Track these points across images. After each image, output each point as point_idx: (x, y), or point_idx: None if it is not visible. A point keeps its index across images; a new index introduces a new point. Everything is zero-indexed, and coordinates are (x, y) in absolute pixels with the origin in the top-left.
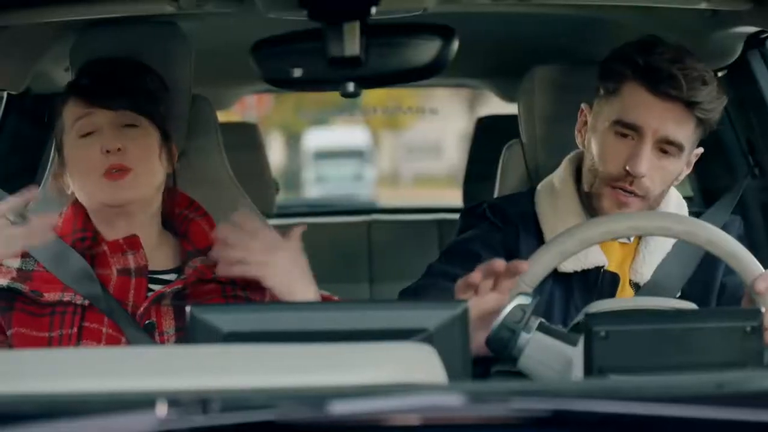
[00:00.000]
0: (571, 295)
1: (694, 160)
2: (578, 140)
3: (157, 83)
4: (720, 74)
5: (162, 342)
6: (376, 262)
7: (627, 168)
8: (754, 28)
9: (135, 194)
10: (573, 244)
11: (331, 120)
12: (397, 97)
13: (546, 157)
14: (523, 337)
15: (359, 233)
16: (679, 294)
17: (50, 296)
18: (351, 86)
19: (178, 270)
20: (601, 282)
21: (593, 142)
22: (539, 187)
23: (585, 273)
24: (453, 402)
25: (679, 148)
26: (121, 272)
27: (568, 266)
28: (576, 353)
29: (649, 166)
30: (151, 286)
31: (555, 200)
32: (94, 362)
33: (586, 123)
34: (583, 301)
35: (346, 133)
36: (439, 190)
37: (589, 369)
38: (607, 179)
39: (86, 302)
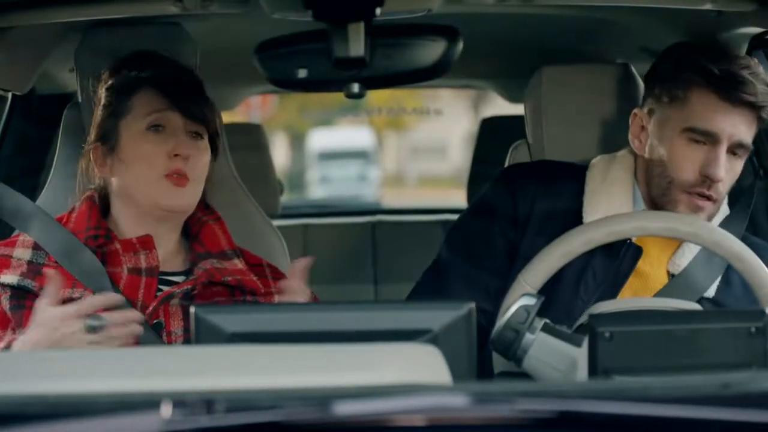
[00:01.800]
0: (592, 255)
1: None
2: (636, 146)
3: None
4: None
5: (170, 342)
6: (380, 262)
7: (705, 174)
8: (759, 28)
9: (189, 203)
10: (578, 245)
11: (336, 121)
12: (401, 97)
13: (552, 158)
14: (528, 337)
15: (364, 234)
16: (713, 293)
17: (61, 293)
18: (356, 87)
19: (188, 272)
20: (624, 252)
21: (662, 150)
22: (593, 169)
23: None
24: (458, 403)
25: (747, 150)
26: (132, 271)
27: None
28: (580, 354)
29: (725, 169)
30: (161, 286)
31: (609, 192)
32: (99, 363)
33: (643, 128)
34: (603, 267)
35: (350, 134)
36: (444, 191)
37: (593, 370)
38: (684, 186)
39: None
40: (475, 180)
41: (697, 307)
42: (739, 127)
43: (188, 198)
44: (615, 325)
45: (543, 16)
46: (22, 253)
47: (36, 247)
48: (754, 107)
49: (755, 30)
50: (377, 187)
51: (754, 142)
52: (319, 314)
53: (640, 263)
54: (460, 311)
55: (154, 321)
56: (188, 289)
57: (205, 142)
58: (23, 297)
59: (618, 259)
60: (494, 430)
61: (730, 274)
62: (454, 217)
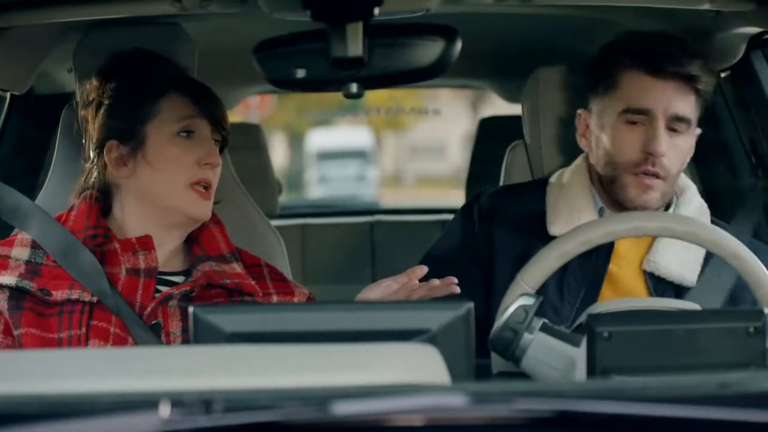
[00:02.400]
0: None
1: (694, 141)
2: (583, 144)
3: None
4: (723, 75)
5: (168, 343)
6: (379, 262)
7: (647, 150)
8: (758, 28)
9: (209, 214)
10: (576, 245)
11: (334, 121)
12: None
13: (550, 158)
14: (526, 337)
15: (362, 234)
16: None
17: (58, 294)
18: (354, 87)
19: (186, 273)
20: (596, 250)
21: (604, 138)
22: (552, 180)
23: None
24: (456, 402)
25: (688, 123)
26: (130, 272)
27: (559, 230)
28: (579, 354)
29: (667, 144)
30: (159, 287)
31: (568, 196)
32: (98, 363)
33: (587, 126)
34: (580, 267)
35: (349, 134)
36: (442, 191)
37: (592, 369)
38: (628, 167)
39: (94, 299)
40: (474, 180)
41: (695, 307)
42: (673, 101)
43: (210, 209)
44: (613, 324)
45: (541, 16)
46: (20, 252)
47: (34, 246)
48: (686, 79)
49: (754, 30)
50: (376, 187)
51: (752, 140)
52: (318, 314)
53: (610, 264)
54: (458, 311)
55: (153, 322)
56: (187, 290)
57: (220, 155)
58: (21, 298)
59: (592, 258)
60: (493, 430)
61: (737, 293)
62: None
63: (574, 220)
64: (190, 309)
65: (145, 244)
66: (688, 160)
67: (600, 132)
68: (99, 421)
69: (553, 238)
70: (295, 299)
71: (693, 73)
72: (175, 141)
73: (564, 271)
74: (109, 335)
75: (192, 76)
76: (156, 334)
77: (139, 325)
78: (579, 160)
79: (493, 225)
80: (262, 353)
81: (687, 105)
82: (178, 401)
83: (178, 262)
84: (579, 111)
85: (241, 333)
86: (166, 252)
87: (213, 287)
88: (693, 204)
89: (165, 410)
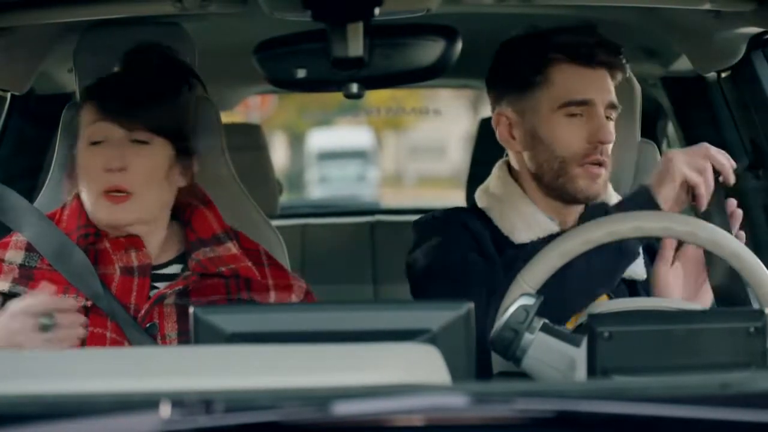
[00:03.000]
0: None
1: None
2: (511, 145)
3: (186, 95)
4: (723, 75)
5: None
6: (379, 262)
7: (597, 140)
8: (758, 28)
9: (134, 217)
10: (576, 245)
11: (335, 121)
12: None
13: None
14: (527, 337)
15: (363, 234)
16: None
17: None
18: (355, 87)
19: (180, 259)
20: None
21: (543, 134)
22: (479, 195)
23: (543, 241)
24: (457, 402)
25: (617, 111)
26: (124, 271)
27: (523, 237)
28: (579, 354)
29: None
30: (155, 283)
31: (509, 208)
32: (98, 363)
33: (511, 126)
34: None
35: (349, 134)
36: (443, 191)
37: (592, 370)
38: (575, 159)
39: (89, 303)
40: (474, 180)
41: (696, 307)
42: (608, 89)
43: (132, 213)
44: (614, 324)
45: (542, 16)
46: (13, 255)
47: (29, 248)
48: (613, 67)
49: (754, 30)
50: (376, 187)
51: (752, 140)
52: (318, 314)
53: None
54: (458, 311)
55: (148, 324)
56: (181, 288)
57: (151, 147)
58: None
59: None
60: (493, 430)
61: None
62: None
63: (532, 225)
64: (191, 309)
65: (135, 242)
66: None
67: (535, 129)
68: (100, 422)
69: (521, 245)
70: (293, 294)
71: (620, 63)
72: (86, 152)
73: None
74: (106, 340)
75: (103, 79)
76: (152, 336)
77: (134, 327)
78: (495, 171)
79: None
80: (262, 353)
81: (614, 92)
82: (178, 401)
83: (171, 251)
84: (494, 114)
85: (242, 333)
86: (156, 245)
87: (209, 277)
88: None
89: (165, 410)
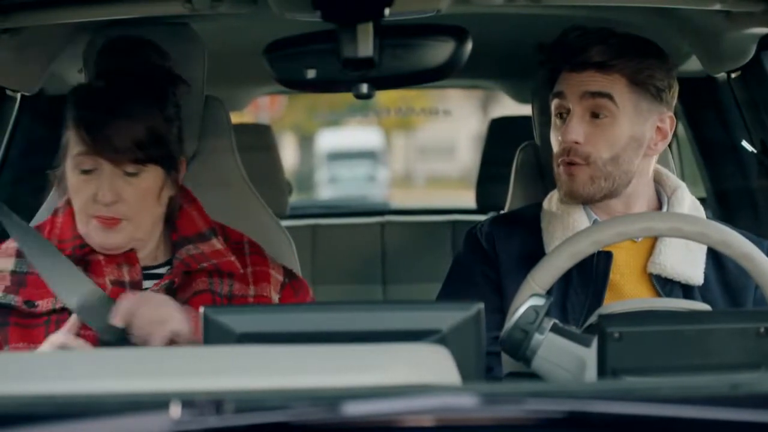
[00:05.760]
0: (570, 271)
1: (668, 126)
2: None
3: (171, 108)
4: (734, 75)
5: None
6: (389, 263)
7: (562, 140)
8: None
9: (128, 239)
10: (586, 246)
11: (344, 121)
12: (410, 98)
13: None
14: (537, 338)
15: (372, 234)
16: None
17: (43, 304)
18: (365, 87)
19: (170, 262)
20: (596, 260)
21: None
22: (544, 205)
23: None
24: (466, 403)
25: (608, 99)
26: (115, 283)
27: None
28: (589, 354)
29: (580, 131)
30: (145, 282)
31: (561, 217)
32: (108, 363)
33: None
34: (580, 282)
35: (358, 134)
36: (452, 191)
37: (602, 370)
38: (557, 160)
39: None
40: (484, 181)
41: (706, 307)
42: (585, 82)
43: (126, 235)
44: (624, 325)
45: (551, 17)
46: (4, 263)
47: (19, 254)
48: (598, 66)
49: (764, 30)
50: (386, 187)
51: (762, 141)
52: (328, 314)
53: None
54: (468, 312)
55: None
56: (167, 284)
57: (142, 176)
58: (6, 314)
59: (592, 273)
60: (503, 431)
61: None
62: (463, 217)
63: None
64: (201, 309)
65: (129, 258)
66: (653, 151)
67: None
68: (110, 422)
69: None
70: (271, 271)
71: (599, 59)
72: (77, 177)
73: (565, 291)
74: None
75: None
76: None
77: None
78: None
79: (498, 251)
80: (272, 354)
81: (600, 84)
82: (188, 402)
83: (161, 253)
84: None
85: (252, 333)
86: (149, 252)
87: (193, 272)
88: (685, 202)
89: (176, 411)
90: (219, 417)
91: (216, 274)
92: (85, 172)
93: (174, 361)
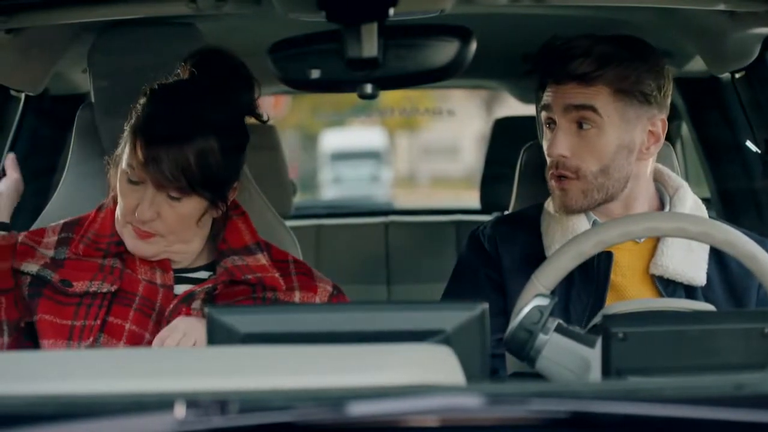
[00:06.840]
0: (572, 272)
1: (660, 129)
2: None
3: (233, 140)
4: (738, 75)
5: None
6: (393, 263)
7: (547, 153)
8: None
9: (158, 251)
10: (590, 246)
11: (348, 121)
12: (414, 98)
13: None
14: (541, 338)
15: (376, 235)
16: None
17: (78, 286)
18: (369, 87)
19: (209, 267)
20: (597, 262)
21: None
22: (546, 206)
23: None
24: (471, 403)
25: (593, 110)
26: (148, 282)
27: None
28: (594, 355)
29: (566, 144)
30: (183, 285)
31: (560, 219)
32: (113, 363)
33: None
34: (581, 282)
35: (362, 135)
36: (457, 192)
37: (607, 370)
38: (547, 171)
39: (113, 288)
40: (488, 181)
41: (710, 308)
42: (569, 95)
43: (155, 249)
44: (628, 325)
45: (556, 17)
46: (45, 249)
47: (59, 244)
48: (580, 78)
49: None
50: (389, 187)
51: (766, 141)
52: (332, 315)
53: (611, 275)
54: (473, 312)
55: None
56: (209, 288)
57: (183, 203)
58: (41, 285)
59: (593, 275)
60: (508, 431)
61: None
62: (467, 217)
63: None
64: (206, 309)
65: (162, 264)
66: (648, 154)
67: None
68: (114, 422)
69: None
70: (317, 296)
71: (581, 71)
72: (124, 183)
73: (568, 292)
74: (123, 332)
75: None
76: None
77: (158, 323)
78: None
79: (500, 253)
80: (277, 354)
81: (587, 96)
82: (193, 402)
83: (202, 259)
84: None
85: (256, 334)
86: (188, 258)
87: (236, 284)
88: (687, 202)
89: (180, 411)
90: (223, 417)
91: (260, 288)
92: (132, 182)
93: (178, 362)
